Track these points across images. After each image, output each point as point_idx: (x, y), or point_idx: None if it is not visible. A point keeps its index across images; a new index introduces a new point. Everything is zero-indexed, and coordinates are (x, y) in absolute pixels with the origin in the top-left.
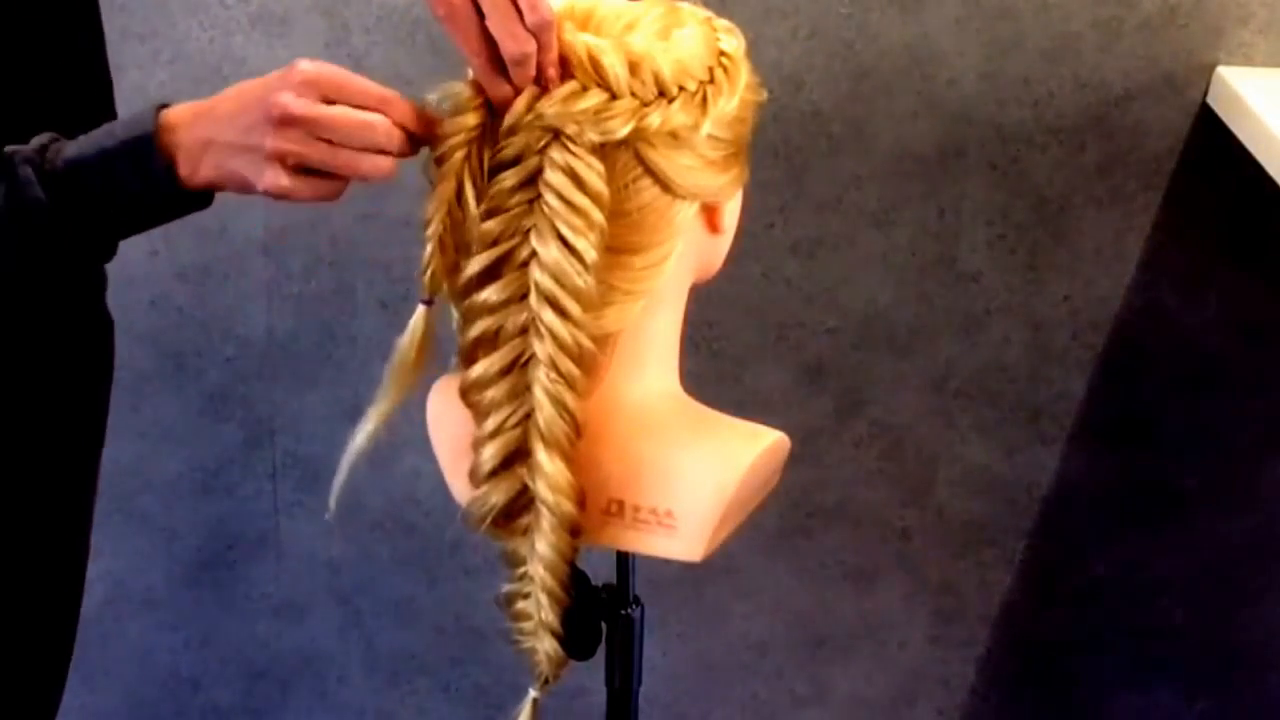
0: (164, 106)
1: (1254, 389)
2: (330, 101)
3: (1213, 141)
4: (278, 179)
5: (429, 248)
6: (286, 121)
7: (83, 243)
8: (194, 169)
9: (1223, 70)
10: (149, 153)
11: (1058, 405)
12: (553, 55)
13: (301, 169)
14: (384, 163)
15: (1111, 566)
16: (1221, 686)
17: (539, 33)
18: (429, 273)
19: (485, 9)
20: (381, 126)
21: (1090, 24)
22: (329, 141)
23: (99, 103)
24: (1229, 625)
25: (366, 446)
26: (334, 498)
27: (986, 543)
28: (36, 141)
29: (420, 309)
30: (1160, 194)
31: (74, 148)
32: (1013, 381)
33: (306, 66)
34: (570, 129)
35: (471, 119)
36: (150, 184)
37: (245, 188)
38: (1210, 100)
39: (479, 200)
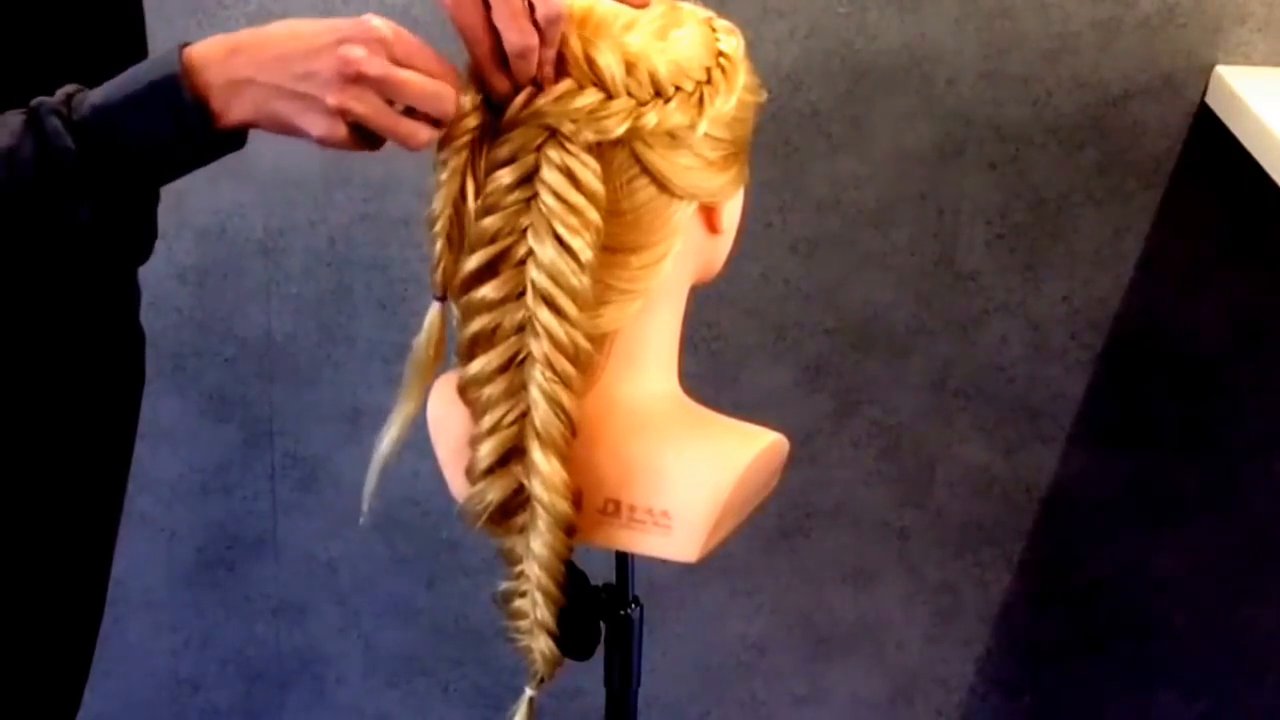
0: (186, 45)
1: (1253, 389)
2: (399, 65)
3: (1212, 141)
4: (335, 129)
5: (438, 245)
6: (358, 79)
7: (115, 192)
8: (227, 106)
9: (1221, 69)
10: (177, 93)
11: (1056, 405)
12: (551, 53)
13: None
14: (435, 133)
15: (1110, 566)
16: (1221, 687)
17: (547, 27)
18: (438, 270)
19: (491, 0)
20: (449, 97)
21: (1089, 23)
22: (391, 103)
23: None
24: (1228, 625)
25: (392, 452)
26: (366, 503)
27: (985, 543)
28: (61, 92)
29: (434, 307)
30: (1159, 193)
31: (99, 94)
32: (1011, 381)
33: (380, 24)
34: (567, 128)
35: (472, 119)
36: (181, 126)
37: (288, 131)
38: (1209, 99)
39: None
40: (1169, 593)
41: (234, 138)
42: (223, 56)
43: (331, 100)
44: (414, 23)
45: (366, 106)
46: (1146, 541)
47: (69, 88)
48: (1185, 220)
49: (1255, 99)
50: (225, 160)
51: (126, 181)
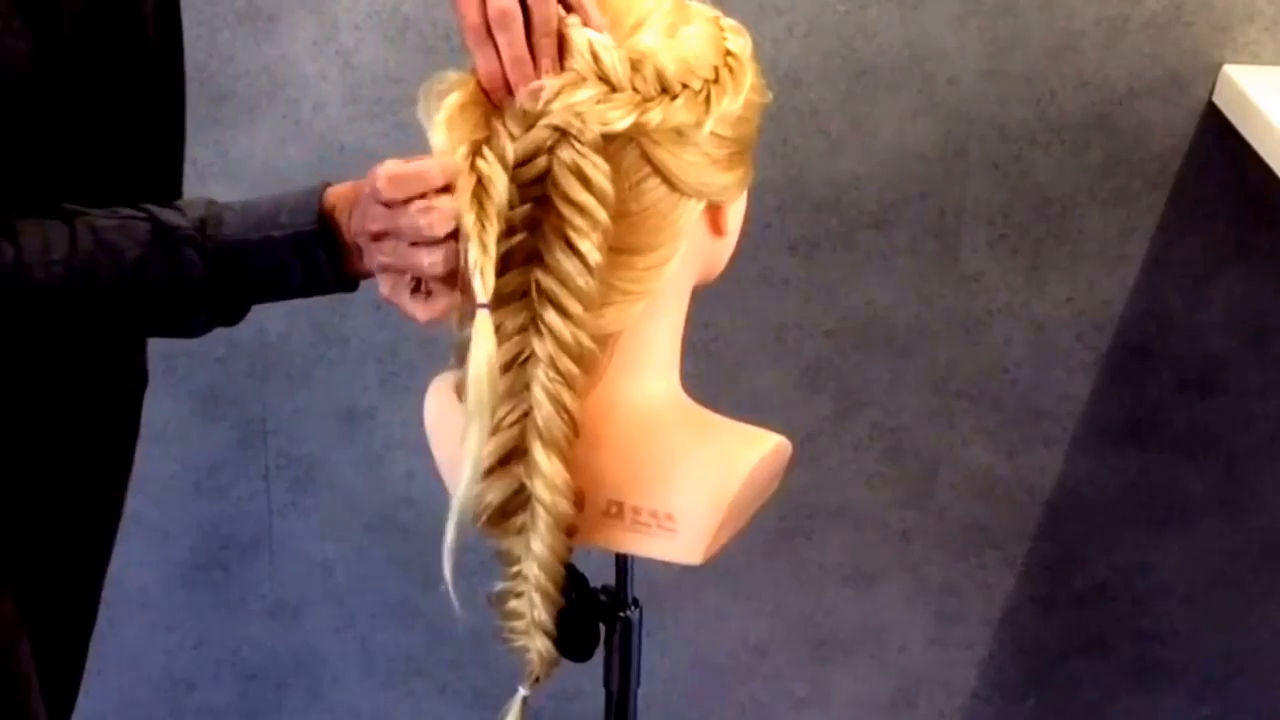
0: (326, 185)
1: (1259, 391)
2: (414, 196)
3: (1219, 141)
4: (388, 287)
5: (473, 245)
6: (377, 237)
7: (236, 309)
8: (356, 264)
9: (1229, 69)
10: (313, 248)
11: (1060, 407)
12: (550, 44)
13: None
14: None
15: (1114, 569)
16: (1226, 690)
17: (541, 39)
18: (479, 271)
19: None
20: (449, 212)
21: (1094, 21)
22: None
23: (171, 147)
24: (1233, 629)
25: (471, 496)
26: (448, 566)
27: (988, 545)
28: (194, 213)
29: (482, 315)
30: (1165, 194)
31: (236, 226)
32: (1014, 383)
33: (381, 186)
34: (574, 125)
35: (475, 131)
36: (312, 274)
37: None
38: (1216, 99)
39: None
40: (1173, 595)
41: (351, 282)
42: (348, 211)
43: (376, 259)
44: (404, 20)
45: (387, 256)
46: (1150, 544)
47: (200, 209)
48: (1192, 221)
49: (1263, 98)
50: (215, 158)
51: (248, 302)
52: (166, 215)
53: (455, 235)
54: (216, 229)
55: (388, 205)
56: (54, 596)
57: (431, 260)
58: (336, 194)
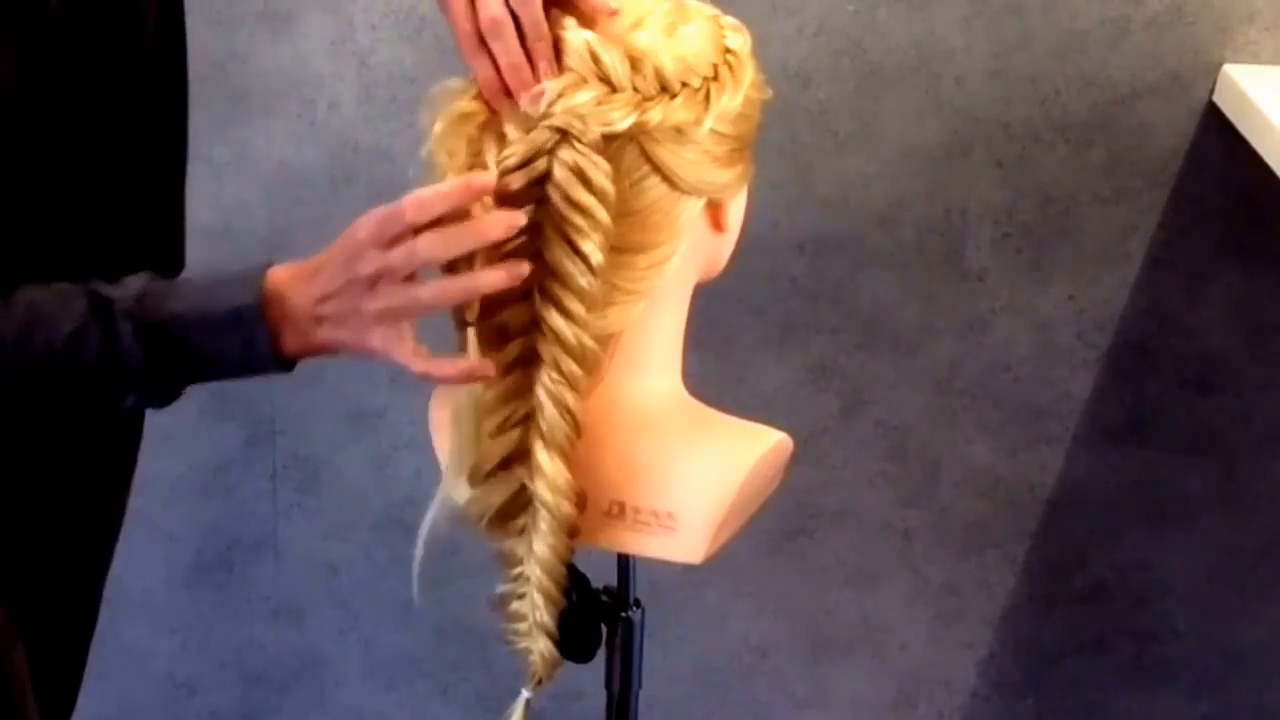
0: (269, 264)
1: (1259, 389)
2: (421, 228)
3: (1219, 140)
4: (389, 338)
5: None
6: (374, 279)
7: (166, 389)
8: (294, 340)
9: (1229, 68)
10: (253, 325)
11: (1062, 405)
12: (545, 47)
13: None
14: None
15: (1115, 568)
16: (1224, 689)
17: (535, 43)
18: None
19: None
20: (476, 232)
21: (1098, 22)
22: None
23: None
24: (1232, 628)
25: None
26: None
27: (989, 544)
28: (135, 287)
29: (464, 336)
30: (1166, 192)
31: (175, 301)
32: (1017, 381)
33: (373, 217)
34: (575, 126)
35: (474, 139)
36: (249, 352)
37: (362, 354)
38: (1217, 98)
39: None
40: (1173, 594)
41: (290, 362)
42: (296, 288)
43: (366, 308)
44: (420, 20)
45: (382, 301)
46: (1151, 543)
47: (140, 284)
48: (1192, 220)
49: (1263, 98)
50: (230, 157)
51: (180, 382)
52: (105, 290)
53: (456, 266)
54: (157, 303)
55: (387, 243)
56: (53, 599)
57: (433, 294)
58: (281, 271)
